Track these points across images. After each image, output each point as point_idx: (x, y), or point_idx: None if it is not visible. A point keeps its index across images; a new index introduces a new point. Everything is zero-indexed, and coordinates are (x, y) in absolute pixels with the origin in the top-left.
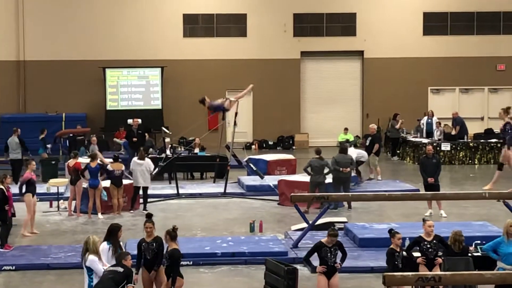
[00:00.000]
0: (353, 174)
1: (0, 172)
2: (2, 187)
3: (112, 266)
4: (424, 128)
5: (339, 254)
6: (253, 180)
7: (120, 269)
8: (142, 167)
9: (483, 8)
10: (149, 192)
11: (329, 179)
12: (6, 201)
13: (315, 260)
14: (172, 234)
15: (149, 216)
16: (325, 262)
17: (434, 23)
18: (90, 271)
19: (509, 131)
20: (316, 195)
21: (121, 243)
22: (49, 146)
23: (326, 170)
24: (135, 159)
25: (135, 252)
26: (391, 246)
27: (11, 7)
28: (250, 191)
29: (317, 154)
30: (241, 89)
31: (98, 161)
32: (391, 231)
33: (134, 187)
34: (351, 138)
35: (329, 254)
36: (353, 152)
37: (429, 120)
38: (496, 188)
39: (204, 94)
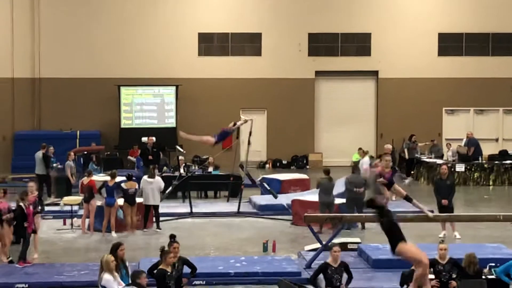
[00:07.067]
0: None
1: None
2: (21, 204)
3: (126, 285)
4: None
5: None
6: (265, 200)
7: None
8: (152, 186)
9: (498, 29)
10: (163, 210)
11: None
12: (25, 218)
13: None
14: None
15: (173, 237)
16: (331, 284)
17: (449, 44)
18: None
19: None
20: (330, 215)
21: (126, 262)
22: (55, 165)
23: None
24: (145, 177)
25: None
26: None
27: (27, 25)
28: (262, 210)
29: (326, 174)
30: (255, 108)
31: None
32: None
33: (144, 205)
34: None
35: (334, 275)
36: (365, 162)
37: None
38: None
39: (218, 114)
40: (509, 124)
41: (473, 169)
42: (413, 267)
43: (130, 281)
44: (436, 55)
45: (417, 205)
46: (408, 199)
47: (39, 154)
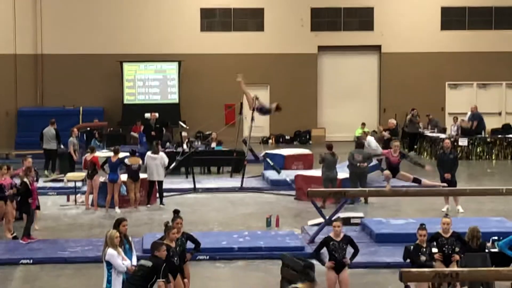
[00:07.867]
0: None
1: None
2: (26, 180)
3: (143, 259)
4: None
5: (351, 250)
6: (276, 175)
7: (149, 263)
8: (156, 161)
9: (501, 3)
10: (166, 186)
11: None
12: (30, 194)
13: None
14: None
15: (176, 212)
16: (334, 257)
17: (452, 18)
18: (109, 265)
19: None
20: (333, 190)
21: (130, 238)
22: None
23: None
24: (149, 153)
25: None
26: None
27: (29, 0)
28: (274, 185)
29: (329, 149)
30: (258, 83)
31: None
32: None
33: (148, 181)
34: None
35: (337, 249)
36: (372, 141)
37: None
38: None
39: (221, 90)
40: None
41: (476, 143)
42: (417, 242)
43: (133, 255)
44: (439, 29)
45: (428, 183)
46: (416, 181)
47: (50, 129)
